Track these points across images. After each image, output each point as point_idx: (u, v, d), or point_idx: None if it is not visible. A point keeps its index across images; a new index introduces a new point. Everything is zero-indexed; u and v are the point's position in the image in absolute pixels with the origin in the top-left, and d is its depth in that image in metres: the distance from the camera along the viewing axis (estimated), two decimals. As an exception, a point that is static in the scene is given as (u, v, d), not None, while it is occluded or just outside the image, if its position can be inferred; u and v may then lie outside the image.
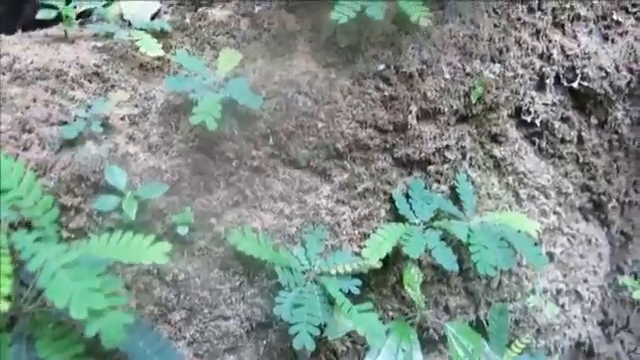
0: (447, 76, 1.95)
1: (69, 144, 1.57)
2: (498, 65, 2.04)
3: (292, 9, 1.99)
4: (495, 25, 2.01)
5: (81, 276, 1.14)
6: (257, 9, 2.01)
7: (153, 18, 2.05)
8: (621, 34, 2.15)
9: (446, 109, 1.97)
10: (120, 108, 1.71)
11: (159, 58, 1.83)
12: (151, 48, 1.76)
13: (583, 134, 2.25)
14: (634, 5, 2.15)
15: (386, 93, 1.89)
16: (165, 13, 2.08)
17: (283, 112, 1.78)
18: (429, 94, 1.92)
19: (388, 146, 1.93)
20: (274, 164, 1.80)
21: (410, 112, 1.90)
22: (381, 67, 1.87)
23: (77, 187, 1.57)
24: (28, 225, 1.41)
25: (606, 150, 2.33)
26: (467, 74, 1.97)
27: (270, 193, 1.79)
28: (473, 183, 2.11)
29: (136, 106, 1.74)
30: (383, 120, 1.90)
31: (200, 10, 2.02)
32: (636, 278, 2.68)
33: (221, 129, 1.66)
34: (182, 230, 1.63)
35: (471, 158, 2.12)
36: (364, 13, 1.73)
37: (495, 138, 2.14)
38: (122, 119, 1.71)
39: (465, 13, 1.97)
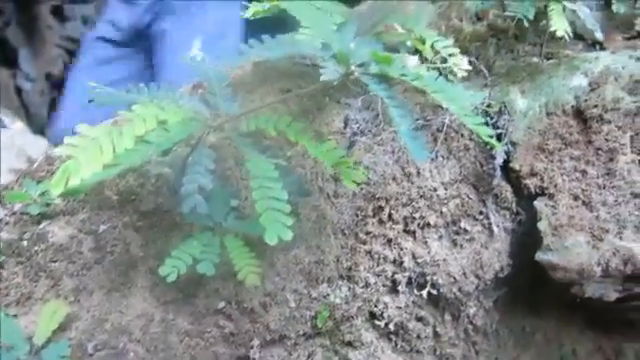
0: (292, 304, 1.95)
1: None
2: (347, 283, 2.07)
3: (139, 229, 1.95)
4: (342, 246, 2.05)
5: None
6: (102, 228, 1.95)
7: (-10, 235, 1.96)
8: (469, 240, 2.23)
9: (293, 334, 1.97)
10: None
11: (-17, 301, 1.74)
12: (-31, 301, 1.66)
13: (438, 329, 2.31)
14: (480, 213, 2.24)
15: (227, 330, 1.87)
16: (7, 224, 1.99)
17: (112, 366, 1.72)
18: (272, 325, 1.92)
19: (232, 377, 1.91)
20: (103, 417, 1.73)
21: (252, 346, 1.89)
22: (222, 305, 1.85)
23: None
24: None
25: (463, 339, 2.40)
26: (314, 299, 1.99)
27: None
28: (328, 389, 2.11)
29: (-51, 366, 1.64)
30: (225, 356, 1.87)
31: (41, 227, 1.95)
32: None
33: (38, 400, 1.59)
34: None
35: (325, 366, 2.13)
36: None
37: (350, 344, 2.15)
38: None
39: (311, 238, 1.99)
